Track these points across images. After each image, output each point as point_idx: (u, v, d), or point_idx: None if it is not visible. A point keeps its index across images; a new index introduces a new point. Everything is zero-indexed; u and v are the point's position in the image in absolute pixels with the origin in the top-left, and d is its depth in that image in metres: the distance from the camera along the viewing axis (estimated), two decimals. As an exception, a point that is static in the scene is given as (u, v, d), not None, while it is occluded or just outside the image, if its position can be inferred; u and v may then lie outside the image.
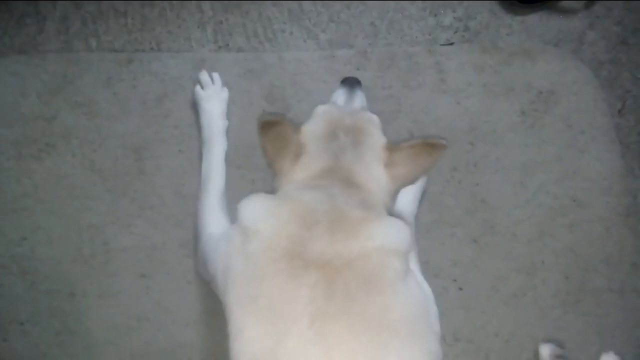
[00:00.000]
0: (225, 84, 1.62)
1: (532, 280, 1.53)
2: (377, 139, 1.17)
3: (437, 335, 1.08)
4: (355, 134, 1.16)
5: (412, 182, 1.20)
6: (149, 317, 1.48)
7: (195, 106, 1.59)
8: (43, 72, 1.65)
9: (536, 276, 1.53)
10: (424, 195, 1.54)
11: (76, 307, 1.48)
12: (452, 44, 1.73)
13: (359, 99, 1.35)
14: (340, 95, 1.36)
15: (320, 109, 1.24)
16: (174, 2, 1.73)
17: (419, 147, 1.12)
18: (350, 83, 1.39)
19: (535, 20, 1.75)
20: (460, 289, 1.52)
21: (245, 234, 1.03)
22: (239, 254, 1.03)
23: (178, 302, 1.48)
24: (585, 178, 1.60)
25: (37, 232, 1.53)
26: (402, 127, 1.62)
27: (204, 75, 1.58)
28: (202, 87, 1.58)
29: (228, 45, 1.71)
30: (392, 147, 1.15)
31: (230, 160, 1.55)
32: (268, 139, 1.14)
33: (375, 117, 1.25)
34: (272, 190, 1.15)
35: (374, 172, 1.13)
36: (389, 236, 1.03)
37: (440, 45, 1.72)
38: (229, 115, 1.58)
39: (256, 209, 1.06)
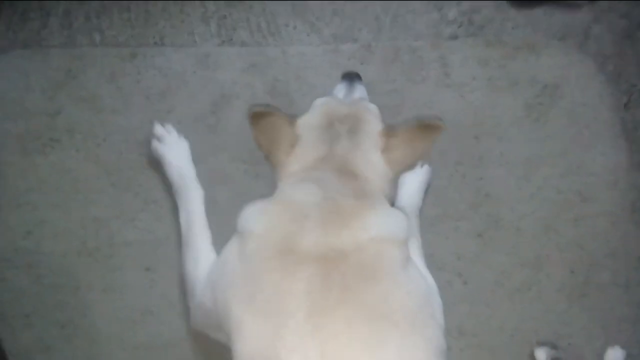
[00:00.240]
0: (229, 78, 1.62)
1: (537, 274, 1.52)
2: (374, 126, 1.17)
3: (441, 327, 1.06)
4: (351, 122, 1.15)
5: (411, 166, 1.19)
6: (153, 311, 1.48)
7: (157, 163, 1.53)
8: (47, 67, 1.65)
9: (541, 270, 1.52)
10: (428, 189, 1.53)
11: (81, 301, 1.48)
12: (456, 38, 1.72)
13: (359, 91, 1.35)
14: (340, 90, 1.36)
15: (319, 101, 1.25)
16: (178, -4, 1.73)
17: (415, 129, 1.11)
18: (350, 77, 1.39)
19: (540, 14, 1.74)
20: (465, 283, 1.51)
21: (241, 238, 1.04)
22: (236, 257, 1.03)
23: (182, 295, 1.48)
24: (590, 172, 1.60)
25: (42, 226, 1.53)
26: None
27: (158, 129, 1.51)
28: (158, 141, 1.51)
29: (232, 39, 1.71)
30: (389, 132, 1.14)
31: (234, 155, 1.56)
32: (260, 130, 1.14)
33: (373, 106, 1.25)
34: (273, 185, 1.15)
35: (371, 159, 1.12)
36: (383, 225, 1.02)
37: (445, 39, 1.72)
38: (232, 110, 1.58)
39: (251, 213, 1.07)
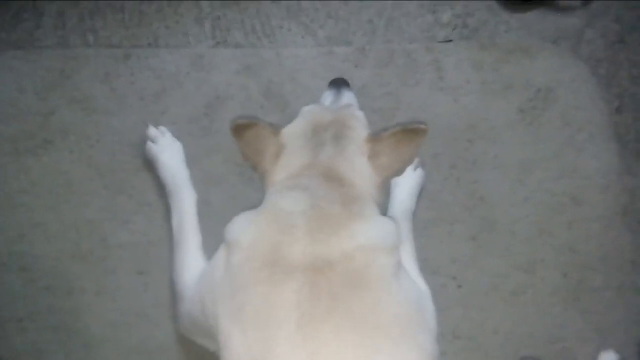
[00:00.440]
0: (223, 80, 1.62)
1: (532, 278, 1.53)
2: (359, 132, 1.16)
3: (432, 333, 1.06)
4: (336, 129, 1.15)
5: (399, 172, 1.18)
6: (147, 314, 1.47)
7: (151, 164, 1.53)
8: (40, 67, 1.64)
9: (535, 274, 1.53)
10: (422, 192, 1.53)
11: (74, 304, 1.47)
12: (450, 41, 1.72)
13: (347, 98, 1.34)
14: (328, 97, 1.36)
15: (306, 109, 1.25)
16: (172, -2, 1.73)
17: (400, 134, 1.11)
18: (338, 84, 1.38)
19: (534, 17, 1.75)
20: (460, 286, 1.52)
21: (230, 249, 1.04)
22: (225, 269, 1.03)
23: (175, 299, 1.48)
24: (584, 176, 1.60)
25: (35, 229, 1.52)
26: (400, 125, 1.62)
27: (152, 131, 1.52)
28: (152, 143, 1.52)
29: (226, 41, 1.71)
30: (374, 138, 1.14)
31: (228, 157, 1.55)
32: (244, 142, 1.14)
33: (359, 113, 1.25)
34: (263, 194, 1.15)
35: (357, 165, 1.12)
36: (371, 233, 1.02)
37: (439, 42, 1.72)
38: (227, 112, 1.58)
39: (238, 223, 1.07)
